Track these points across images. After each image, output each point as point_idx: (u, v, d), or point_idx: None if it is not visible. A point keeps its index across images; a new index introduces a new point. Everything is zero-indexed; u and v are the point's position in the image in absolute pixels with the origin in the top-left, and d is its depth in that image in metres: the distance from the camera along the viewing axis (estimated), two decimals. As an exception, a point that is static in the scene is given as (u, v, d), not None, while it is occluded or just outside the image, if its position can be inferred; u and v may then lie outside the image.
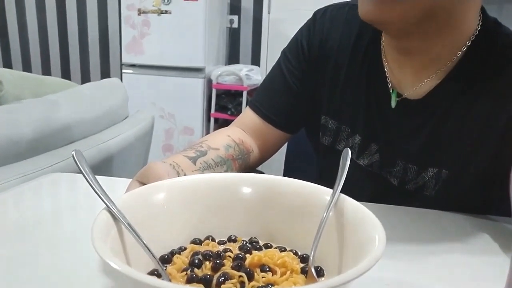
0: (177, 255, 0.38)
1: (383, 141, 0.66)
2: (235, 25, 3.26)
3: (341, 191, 0.39)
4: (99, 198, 0.35)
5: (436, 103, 0.60)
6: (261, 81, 0.91)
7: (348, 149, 0.43)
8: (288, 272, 0.34)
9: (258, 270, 0.35)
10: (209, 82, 2.92)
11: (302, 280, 0.34)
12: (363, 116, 0.67)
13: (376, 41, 0.66)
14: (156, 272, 0.35)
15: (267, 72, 0.79)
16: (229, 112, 2.91)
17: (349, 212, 0.37)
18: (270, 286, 0.33)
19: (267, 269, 0.34)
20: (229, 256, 0.37)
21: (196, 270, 0.35)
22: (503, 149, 0.57)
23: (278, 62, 0.77)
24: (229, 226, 0.42)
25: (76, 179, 0.71)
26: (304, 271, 0.35)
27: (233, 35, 3.28)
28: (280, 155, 0.95)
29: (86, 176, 0.36)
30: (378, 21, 0.55)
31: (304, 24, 0.75)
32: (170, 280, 0.33)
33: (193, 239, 0.41)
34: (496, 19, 0.61)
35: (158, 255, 0.36)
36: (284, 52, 0.77)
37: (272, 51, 3.18)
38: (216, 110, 2.94)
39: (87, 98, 1.34)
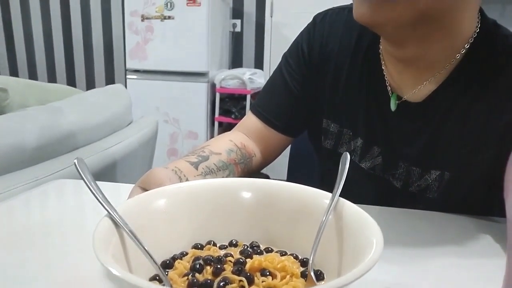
0: (178, 260, 0.38)
1: (385, 144, 0.66)
2: (238, 29, 3.27)
3: (345, 194, 0.39)
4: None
5: (436, 106, 0.60)
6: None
7: (347, 153, 0.43)
8: (288, 276, 0.34)
9: (258, 274, 0.35)
10: (212, 86, 2.93)
11: (302, 284, 0.34)
12: (364, 119, 0.67)
13: (375, 45, 0.66)
14: (157, 278, 0.35)
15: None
16: (233, 116, 2.92)
17: (348, 216, 0.37)
18: (270, 290, 0.33)
19: (267, 273, 0.35)
20: (230, 261, 0.37)
21: (197, 275, 0.35)
22: (502, 151, 0.57)
23: (279, 66, 0.77)
24: (230, 231, 0.42)
25: (81, 185, 0.71)
26: (304, 275, 0.35)
27: (236, 39, 3.30)
28: (284, 158, 0.95)
29: (88, 184, 0.36)
30: (373, 23, 0.55)
31: (304, 28, 0.76)
32: (171, 286, 0.33)
33: (195, 244, 0.41)
34: (495, 20, 0.61)
35: (159, 261, 0.37)
36: (284, 56, 0.77)
37: (275, 54, 3.19)
38: (220, 114, 2.95)
39: (91, 104, 1.36)
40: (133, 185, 0.51)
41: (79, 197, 0.69)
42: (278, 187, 0.43)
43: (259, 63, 3.28)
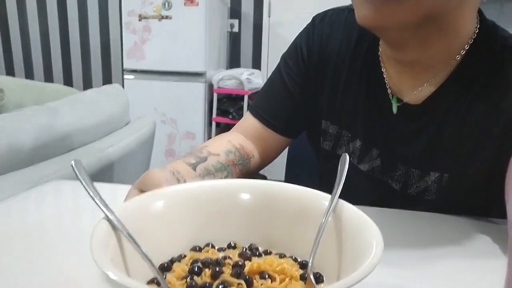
0: (176, 262, 0.38)
1: (384, 146, 0.66)
2: (236, 29, 3.27)
3: (343, 196, 0.39)
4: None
5: (436, 107, 0.60)
6: (262, 84, 0.91)
7: (346, 154, 0.43)
8: (287, 279, 0.34)
9: (257, 277, 0.35)
10: (210, 87, 2.93)
11: (301, 286, 0.34)
12: (363, 121, 0.67)
13: (375, 46, 0.66)
14: (155, 281, 0.35)
15: (268, 76, 0.79)
16: (230, 116, 2.91)
17: (348, 217, 0.37)
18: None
19: (266, 276, 0.34)
20: (229, 264, 0.37)
21: (195, 277, 0.35)
22: (501, 152, 0.57)
23: (278, 67, 0.77)
24: (228, 233, 0.42)
25: (78, 186, 0.71)
26: (303, 278, 0.35)
27: (234, 39, 3.30)
28: (282, 159, 0.95)
29: (85, 186, 0.36)
30: (377, 26, 0.54)
31: (303, 29, 0.75)
32: (168, 289, 0.33)
33: (193, 246, 0.41)
34: (493, 21, 0.61)
35: (158, 263, 0.36)
36: (283, 57, 0.77)
37: (273, 54, 3.19)
38: (217, 115, 2.94)
39: (87, 104, 1.35)
40: (130, 186, 0.50)
41: (76, 198, 0.68)
42: (278, 188, 0.43)
43: (256, 63, 3.28)
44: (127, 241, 0.33)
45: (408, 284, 0.43)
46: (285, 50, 0.78)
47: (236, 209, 0.43)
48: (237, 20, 3.26)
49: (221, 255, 0.39)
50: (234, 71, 2.96)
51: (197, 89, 2.88)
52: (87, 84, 3.72)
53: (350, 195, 0.41)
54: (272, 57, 3.21)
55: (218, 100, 2.93)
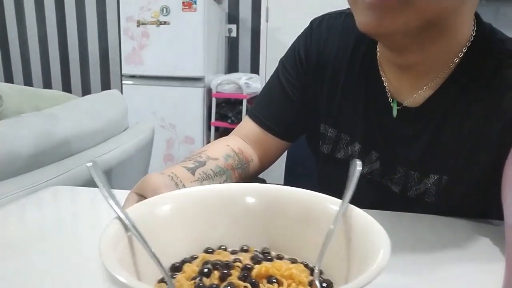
0: (187, 263, 0.38)
1: (383, 149, 0.66)
2: (234, 34, 3.28)
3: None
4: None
5: (435, 110, 0.60)
6: (261, 89, 0.91)
7: (357, 160, 0.41)
8: (295, 284, 0.34)
9: (264, 281, 0.34)
10: (208, 91, 2.93)
11: (309, 292, 0.33)
12: (362, 124, 0.67)
13: (373, 50, 0.66)
14: (165, 281, 0.35)
15: (267, 80, 0.79)
16: (229, 121, 2.92)
17: (357, 223, 0.36)
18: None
19: (274, 281, 0.34)
20: (238, 266, 0.36)
21: (204, 279, 0.35)
22: (500, 154, 0.57)
23: (276, 72, 0.77)
24: (241, 236, 0.42)
25: (77, 192, 0.71)
26: (312, 284, 0.35)
27: (232, 44, 3.31)
28: (281, 163, 0.95)
29: (101, 189, 0.36)
30: (378, 33, 0.53)
31: (301, 34, 0.76)
32: (174, 289, 0.33)
33: (206, 248, 0.41)
34: (490, 24, 0.61)
35: (169, 264, 0.37)
36: (281, 62, 0.77)
37: (271, 59, 3.20)
38: (216, 119, 2.95)
39: (86, 110, 1.35)
40: (129, 191, 0.50)
41: (75, 204, 0.68)
42: (285, 193, 0.42)
43: (255, 68, 3.29)
44: (137, 242, 0.34)
45: (408, 285, 0.42)
46: (283, 55, 0.78)
47: (244, 212, 0.42)
48: (235, 25, 3.27)
49: (232, 258, 0.39)
50: (233, 76, 2.97)
51: (196, 94, 2.89)
52: (86, 90, 3.72)
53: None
54: (270, 62, 3.22)
55: (217, 104, 2.94)
